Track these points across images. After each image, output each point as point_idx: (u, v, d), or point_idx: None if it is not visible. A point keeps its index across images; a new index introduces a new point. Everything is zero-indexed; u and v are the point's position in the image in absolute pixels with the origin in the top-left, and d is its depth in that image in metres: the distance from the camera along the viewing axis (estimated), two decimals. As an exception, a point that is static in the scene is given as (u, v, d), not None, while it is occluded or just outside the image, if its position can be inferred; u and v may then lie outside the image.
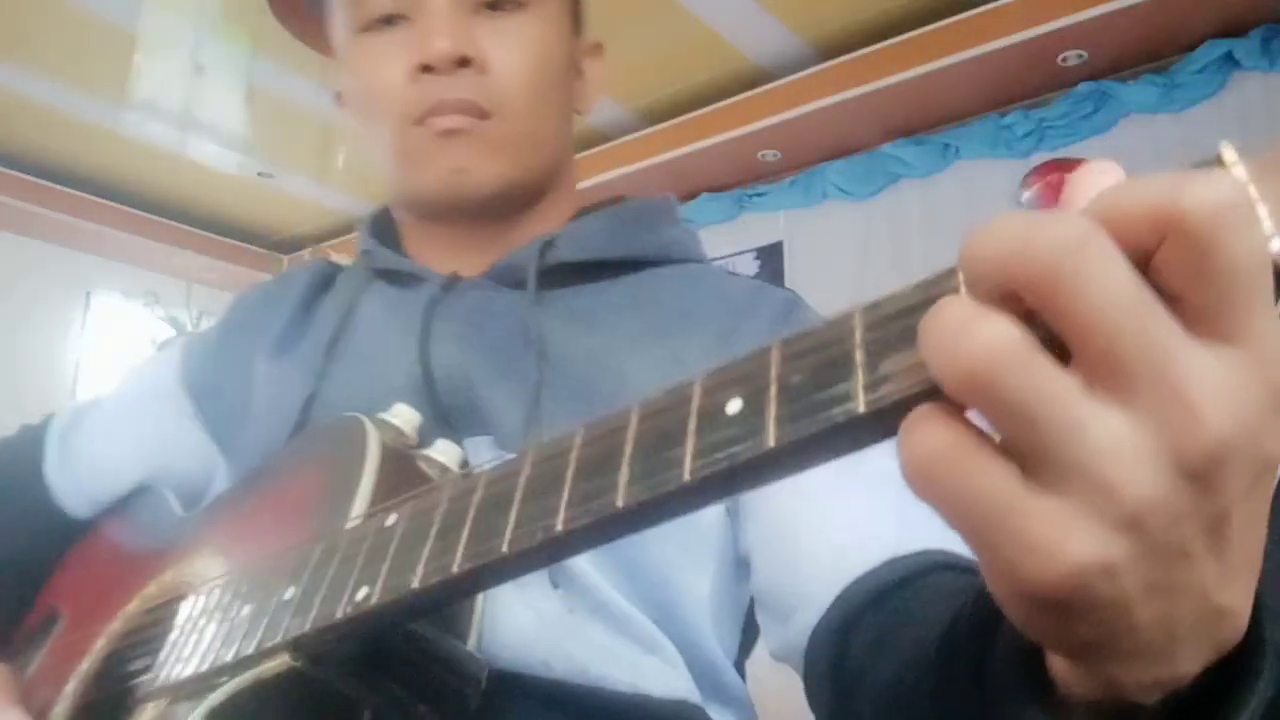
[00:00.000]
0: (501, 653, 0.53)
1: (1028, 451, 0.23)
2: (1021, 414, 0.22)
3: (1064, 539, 0.22)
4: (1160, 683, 0.26)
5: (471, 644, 0.50)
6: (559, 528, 0.31)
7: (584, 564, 0.56)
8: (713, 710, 0.58)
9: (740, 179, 3.20)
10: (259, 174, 3.56)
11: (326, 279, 0.77)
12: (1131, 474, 0.22)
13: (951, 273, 0.25)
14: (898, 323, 0.26)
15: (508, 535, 0.33)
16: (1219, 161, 0.23)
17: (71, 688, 0.60)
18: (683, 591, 0.59)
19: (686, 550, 0.59)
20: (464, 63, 0.64)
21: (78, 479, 0.76)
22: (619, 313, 0.66)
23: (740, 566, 0.61)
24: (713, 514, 0.59)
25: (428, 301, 0.66)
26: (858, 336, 0.26)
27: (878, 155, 2.91)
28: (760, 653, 0.64)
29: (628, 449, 0.31)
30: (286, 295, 0.75)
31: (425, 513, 0.39)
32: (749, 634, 0.65)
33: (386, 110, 0.66)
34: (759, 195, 3.15)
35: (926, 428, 0.24)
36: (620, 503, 0.30)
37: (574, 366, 0.62)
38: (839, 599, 0.50)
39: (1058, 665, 0.28)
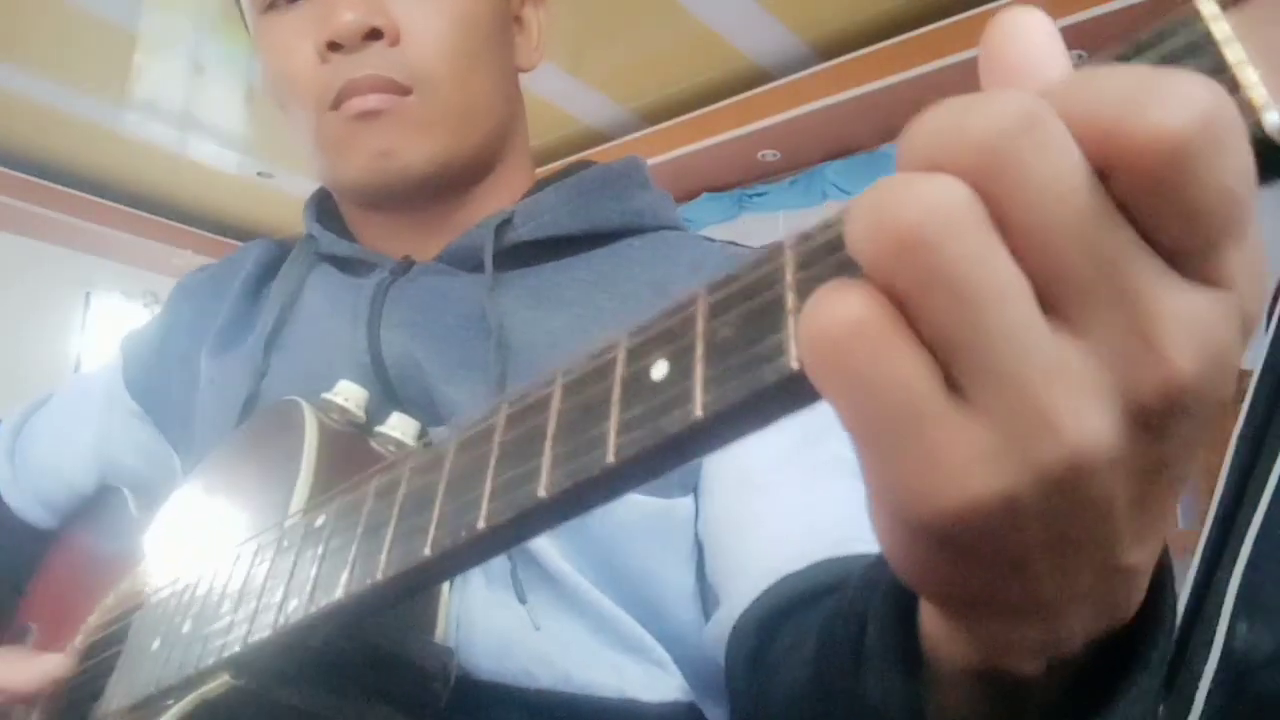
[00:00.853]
0: (481, 662, 0.51)
1: (956, 351, 0.19)
2: (960, 295, 0.18)
3: (975, 463, 0.19)
4: (1045, 646, 0.23)
5: (439, 632, 0.48)
6: (481, 525, 0.29)
7: (563, 564, 0.53)
8: (708, 707, 0.56)
9: (740, 179, 3.20)
10: (259, 174, 3.56)
11: (274, 263, 0.71)
12: (1073, 407, 0.18)
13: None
14: (835, 255, 0.21)
15: (430, 535, 0.31)
16: (1195, 14, 0.19)
17: (36, 715, 0.58)
18: (668, 586, 0.56)
19: (666, 544, 0.56)
20: (374, 34, 0.58)
21: (32, 488, 0.75)
22: (584, 290, 0.60)
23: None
24: (688, 505, 0.56)
25: (376, 287, 0.61)
26: (789, 276, 0.22)
27: (878, 155, 2.91)
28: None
29: (550, 427, 0.28)
30: (229, 283, 0.70)
31: (350, 512, 0.37)
32: None
33: (300, 96, 0.60)
34: (759, 195, 3.15)
35: (839, 296, 0.19)
36: (543, 492, 0.27)
37: (537, 353, 0.57)
38: (762, 596, 0.48)
39: (932, 626, 0.26)
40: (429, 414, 0.56)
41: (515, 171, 0.67)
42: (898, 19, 2.63)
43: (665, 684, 0.54)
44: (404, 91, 0.58)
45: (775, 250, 0.23)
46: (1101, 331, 0.19)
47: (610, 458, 0.25)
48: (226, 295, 0.69)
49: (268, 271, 0.70)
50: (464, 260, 0.62)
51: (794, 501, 0.51)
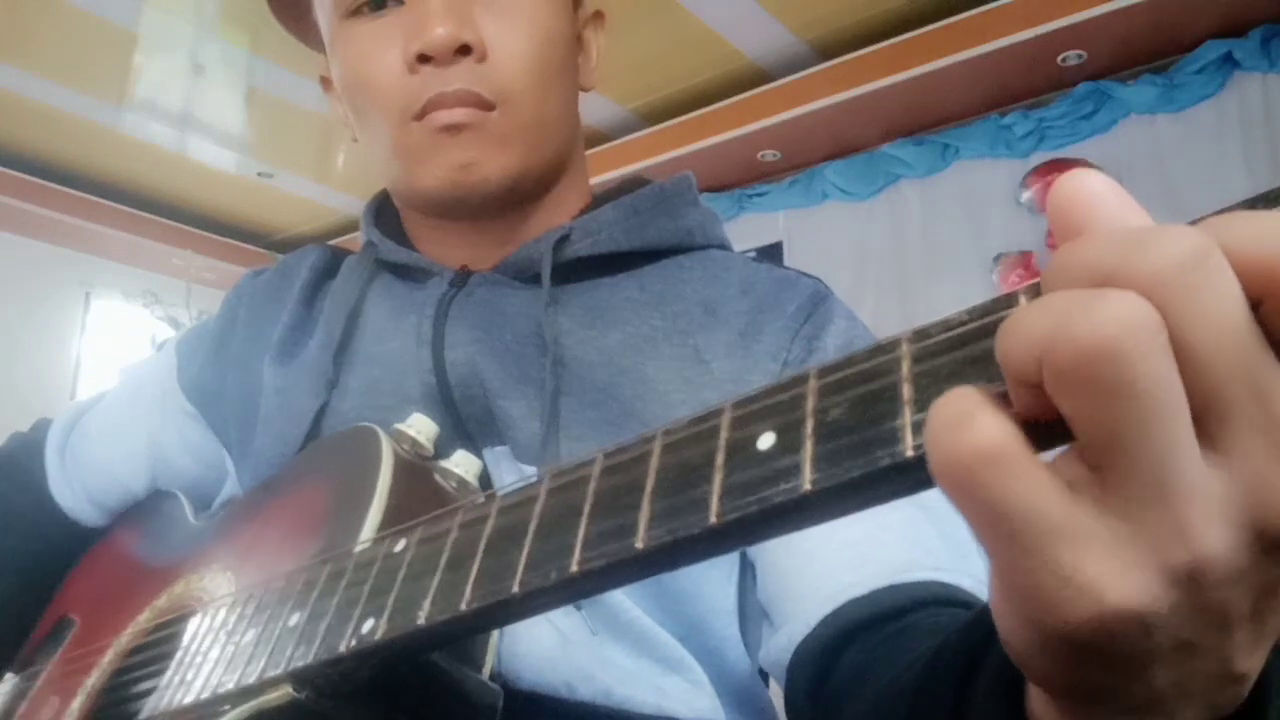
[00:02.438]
0: (523, 674, 0.51)
1: (1111, 463, 0.20)
2: (1142, 410, 0.19)
3: (1115, 577, 0.20)
4: None
5: (487, 670, 0.49)
6: (574, 569, 0.29)
7: None
8: None
9: (740, 179, 3.20)
10: (258, 174, 3.56)
11: (328, 269, 0.72)
12: (1211, 522, 0.19)
13: (1010, 297, 0.23)
14: (950, 354, 0.23)
15: (519, 575, 0.31)
16: None
17: (77, 704, 0.59)
18: (712, 607, 0.57)
19: (711, 565, 0.56)
20: (464, 50, 0.59)
21: (83, 486, 0.75)
22: (638, 309, 0.62)
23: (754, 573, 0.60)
24: None
25: (438, 302, 0.63)
26: (905, 369, 0.23)
27: (877, 155, 2.91)
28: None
29: (649, 483, 0.28)
30: (287, 289, 0.72)
31: (434, 540, 0.37)
32: None
33: (382, 104, 0.62)
34: (759, 195, 3.15)
35: (978, 417, 0.20)
36: (640, 545, 0.28)
37: (591, 371, 0.59)
38: (827, 619, 0.48)
39: (1040, 708, 0.26)
40: (488, 430, 0.58)
41: (573, 187, 0.69)
42: (898, 19, 2.63)
43: (701, 701, 0.55)
44: (488, 107, 0.60)
45: (890, 343, 0.24)
46: (1244, 452, 0.20)
47: (713, 519, 0.26)
48: (285, 301, 0.70)
49: (323, 277, 0.72)
50: (521, 272, 0.64)
51: (854, 527, 0.51)
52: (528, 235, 0.65)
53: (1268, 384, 0.19)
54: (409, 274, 0.68)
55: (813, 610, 0.49)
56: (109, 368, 3.70)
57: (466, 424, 0.58)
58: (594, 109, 3.05)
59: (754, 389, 0.28)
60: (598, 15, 0.72)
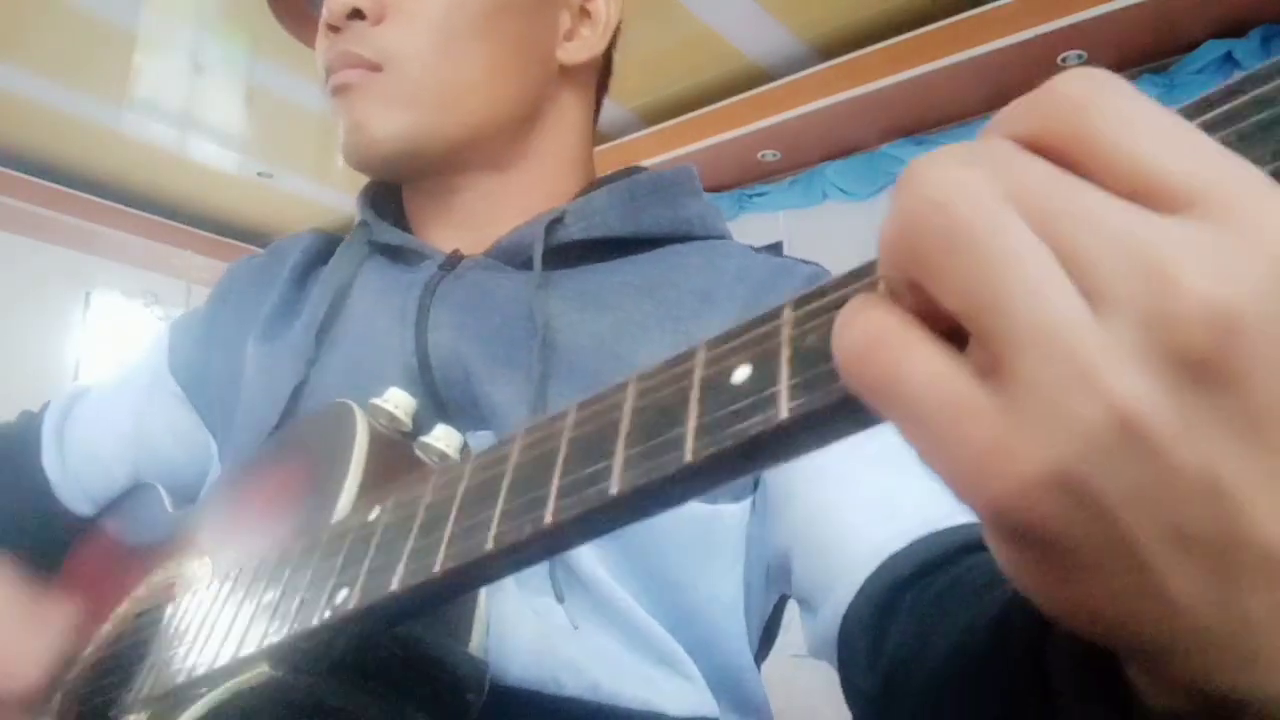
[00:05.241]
0: (510, 669, 0.50)
1: (982, 321, 0.19)
2: (980, 256, 0.19)
3: (1017, 442, 0.18)
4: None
5: (474, 645, 0.47)
6: (548, 519, 0.28)
7: (599, 570, 0.53)
8: None
9: (740, 179, 3.20)
10: (259, 174, 3.56)
11: (321, 252, 0.72)
12: (1111, 362, 0.17)
13: None
14: None
15: (493, 530, 0.30)
16: None
17: (56, 701, 0.58)
18: (708, 598, 0.55)
19: (709, 552, 0.55)
20: (356, 14, 0.60)
21: (75, 471, 0.75)
22: (631, 295, 0.60)
23: (771, 570, 0.58)
24: (736, 512, 0.55)
25: (425, 284, 0.62)
26: (882, 286, 0.22)
27: (877, 155, 2.91)
28: (775, 659, 0.63)
29: (623, 427, 0.27)
30: (278, 270, 0.71)
31: (408, 505, 0.36)
32: (767, 639, 0.62)
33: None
34: (759, 195, 3.15)
35: (865, 309, 0.21)
36: (615, 489, 0.26)
37: (581, 356, 0.57)
38: (870, 580, 0.46)
39: (1141, 683, 0.22)
40: (471, 415, 0.57)
41: (561, 168, 0.68)
42: (898, 19, 2.63)
43: (692, 698, 0.54)
44: (374, 68, 0.61)
45: (866, 266, 0.23)
46: (1121, 287, 0.18)
47: (688, 457, 0.25)
48: (275, 283, 0.70)
49: (316, 260, 0.72)
50: (513, 256, 0.63)
51: (875, 485, 0.50)
52: (509, 215, 0.64)
53: (1111, 217, 0.19)
54: (401, 256, 0.67)
55: (853, 576, 0.47)
56: (109, 367, 3.70)
57: (448, 406, 0.58)
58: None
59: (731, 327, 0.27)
60: None
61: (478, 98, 0.63)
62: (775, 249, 3.16)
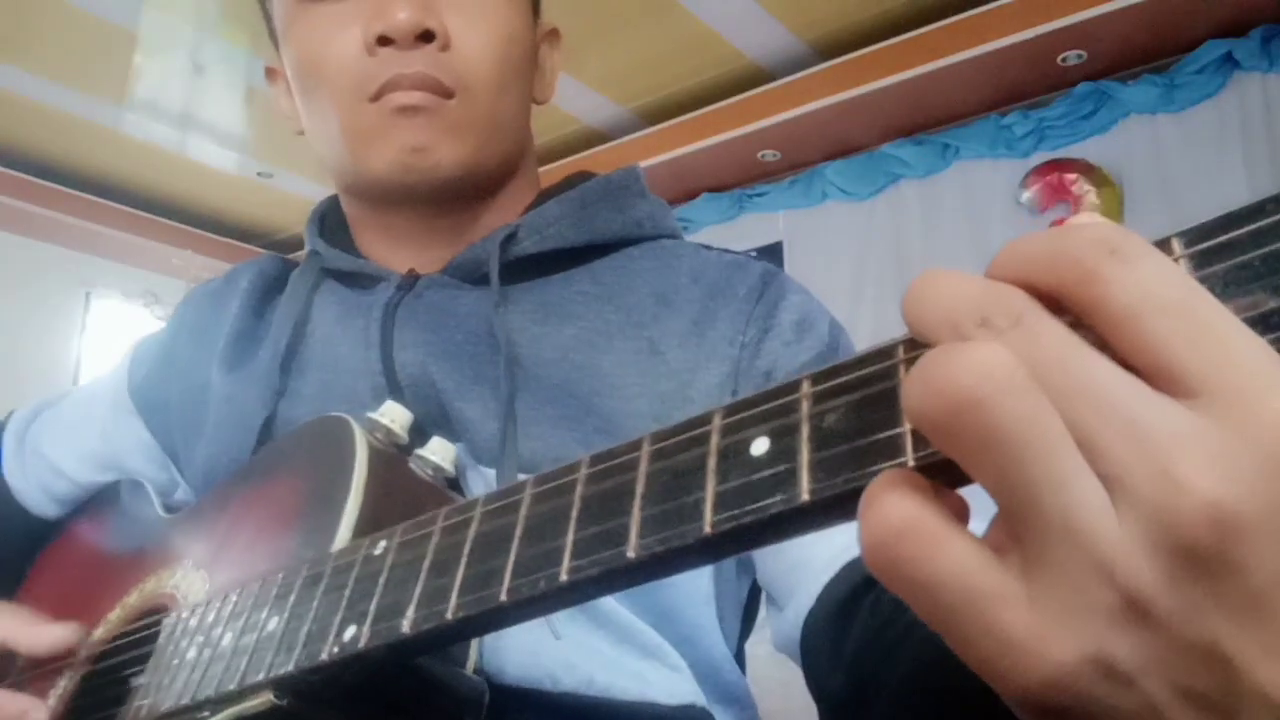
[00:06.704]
0: (507, 669, 0.51)
1: (1012, 510, 0.20)
2: (1013, 450, 0.19)
3: (1053, 631, 0.19)
4: None
5: (470, 665, 0.48)
6: (563, 578, 0.28)
7: None
8: (717, 711, 0.57)
9: (740, 179, 3.20)
10: (258, 174, 3.56)
11: (276, 278, 0.72)
12: (1131, 554, 0.19)
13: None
14: None
15: (506, 583, 0.30)
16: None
17: (50, 706, 0.57)
18: (685, 594, 0.57)
19: None
20: (427, 36, 0.59)
21: (38, 478, 0.75)
22: (590, 303, 0.61)
23: (742, 560, 0.60)
24: None
25: (385, 305, 0.62)
26: (904, 371, 0.22)
27: (877, 155, 2.91)
28: (773, 659, 0.64)
29: (638, 489, 0.28)
30: (232, 295, 0.71)
31: (416, 544, 0.36)
32: (747, 621, 0.64)
33: (336, 84, 0.61)
34: (759, 195, 3.15)
35: (889, 497, 0.21)
36: (631, 554, 0.27)
37: (546, 368, 0.58)
38: (830, 584, 0.48)
39: None
40: (445, 432, 0.57)
41: (521, 190, 0.69)
42: (898, 19, 2.63)
43: (682, 687, 0.55)
44: (447, 94, 0.60)
45: (888, 347, 0.24)
46: (1132, 477, 0.19)
47: (707, 529, 0.25)
48: (228, 308, 0.70)
49: (272, 285, 0.71)
50: (469, 273, 0.63)
51: None
52: (475, 238, 0.65)
53: (1124, 404, 0.19)
54: (356, 281, 0.67)
55: (813, 580, 0.49)
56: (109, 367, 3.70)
57: (421, 424, 0.57)
58: (594, 109, 3.05)
59: (744, 395, 0.27)
60: (553, 33, 0.73)
61: (515, 130, 0.66)
62: (775, 250, 3.15)
